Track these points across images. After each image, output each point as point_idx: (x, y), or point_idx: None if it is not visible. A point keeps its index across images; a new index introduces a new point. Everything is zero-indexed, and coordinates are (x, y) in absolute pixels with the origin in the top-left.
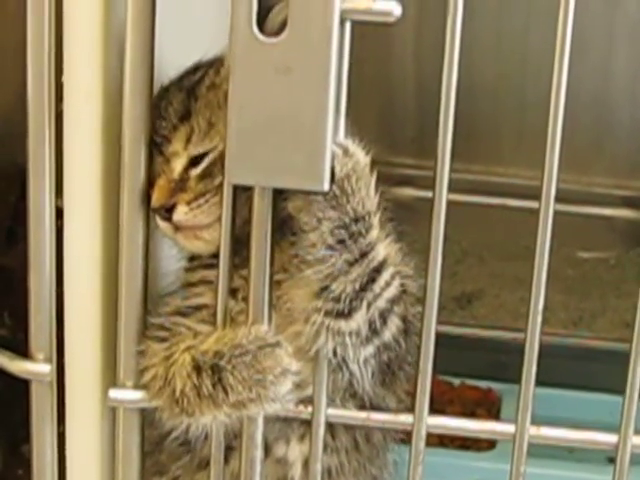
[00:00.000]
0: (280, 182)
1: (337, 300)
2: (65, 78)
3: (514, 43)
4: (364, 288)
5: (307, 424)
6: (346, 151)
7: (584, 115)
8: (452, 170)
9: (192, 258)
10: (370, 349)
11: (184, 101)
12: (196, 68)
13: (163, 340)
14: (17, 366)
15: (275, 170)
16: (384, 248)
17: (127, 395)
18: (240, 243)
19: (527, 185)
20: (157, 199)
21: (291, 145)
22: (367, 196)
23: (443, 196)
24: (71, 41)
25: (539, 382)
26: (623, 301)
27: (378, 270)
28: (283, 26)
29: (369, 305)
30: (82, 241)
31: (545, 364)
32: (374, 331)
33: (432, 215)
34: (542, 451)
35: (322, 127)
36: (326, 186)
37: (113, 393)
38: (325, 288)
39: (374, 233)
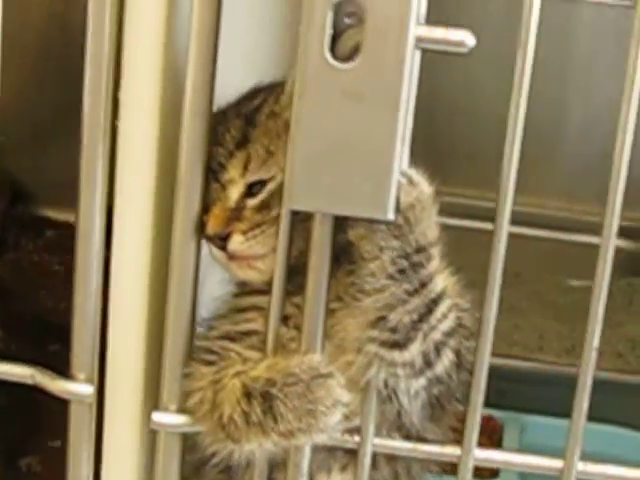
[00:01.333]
0: (344, 209)
1: (393, 330)
2: (122, 93)
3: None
4: (421, 319)
5: (350, 454)
6: (411, 180)
7: (577, 141)
8: (442, 194)
9: (242, 284)
10: (422, 381)
11: (242, 128)
12: (254, 93)
13: (210, 364)
14: (58, 386)
15: (339, 197)
16: (442, 280)
17: (170, 419)
18: (293, 271)
19: (516, 211)
20: (212, 227)
21: (357, 172)
22: (429, 227)
23: (504, 228)
24: (131, 55)
25: (537, 411)
26: (615, 331)
27: (436, 302)
28: (354, 51)
29: (425, 337)
30: (130, 261)
31: (540, 392)
32: (427, 363)
33: (492, 247)
34: None
35: (390, 155)
36: (391, 215)
37: (156, 416)
38: (382, 318)
39: (434, 264)
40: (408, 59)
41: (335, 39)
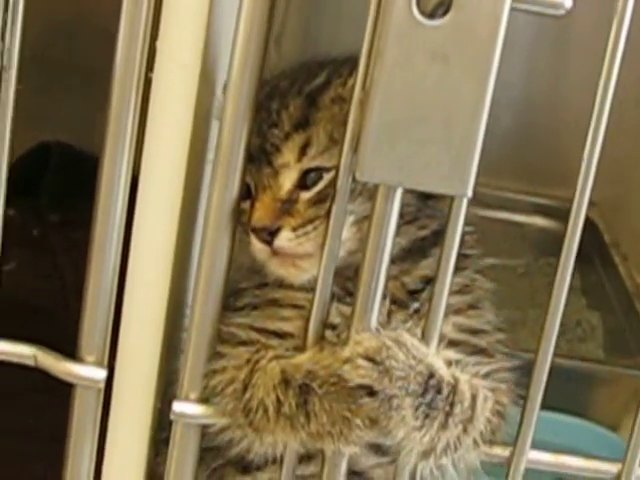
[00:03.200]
0: (417, 183)
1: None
2: (159, 43)
3: None
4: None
5: None
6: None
7: (501, 120)
8: None
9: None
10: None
11: (303, 108)
12: (316, 68)
13: (245, 344)
14: (63, 368)
15: (412, 170)
16: (467, 387)
17: (190, 409)
18: (341, 275)
19: None
20: (259, 218)
21: (436, 143)
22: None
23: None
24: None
25: None
26: (540, 312)
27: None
28: (444, 7)
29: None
30: (154, 237)
31: None
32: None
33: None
34: None
35: (476, 125)
36: (469, 191)
37: (177, 406)
38: None
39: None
40: (504, 18)
41: None
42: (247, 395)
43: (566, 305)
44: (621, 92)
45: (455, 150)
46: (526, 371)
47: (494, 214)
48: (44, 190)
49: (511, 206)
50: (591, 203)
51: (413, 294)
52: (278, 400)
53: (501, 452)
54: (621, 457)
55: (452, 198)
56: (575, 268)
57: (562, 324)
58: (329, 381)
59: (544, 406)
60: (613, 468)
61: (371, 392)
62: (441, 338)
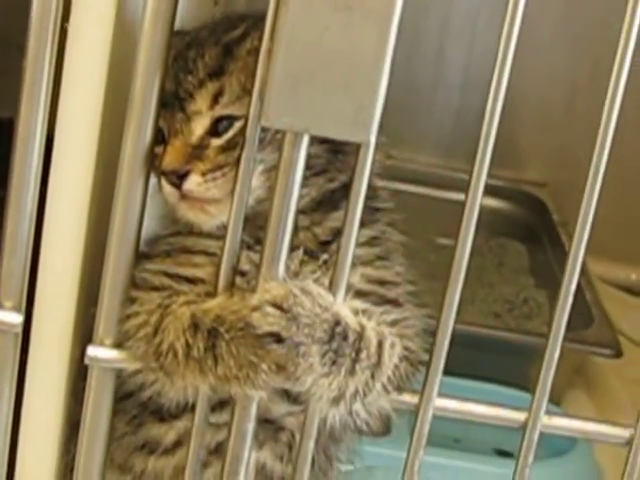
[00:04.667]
0: (322, 130)
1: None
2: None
3: None
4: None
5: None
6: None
7: (452, 103)
8: None
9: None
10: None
11: (218, 57)
12: (235, 21)
13: (155, 289)
14: None
15: (317, 116)
16: (375, 335)
17: (105, 353)
18: (251, 224)
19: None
20: (169, 162)
21: (339, 90)
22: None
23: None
24: None
25: None
26: (488, 291)
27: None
28: None
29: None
30: (70, 180)
31: None
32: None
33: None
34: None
35: (378, 73)
36: (373, 138)
37: (91, 350)
38: None
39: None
40: None
41: None
42: (157, 339)
43: (514, 284)
44: (571, 80)
45: (358, 98)
46: (472, 346)
47: (446, 195)
48: None
49: (463, 187)
50: (541, 185)
51: (324, 245)
52: (187, 344)
53: (410, 399)
54: None
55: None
56: (524, 248)
57: (510, 302)
58: (237, 326)
59: (489, 379)
60: (520, 416)
61: (279, 339)
62: (349, 288)
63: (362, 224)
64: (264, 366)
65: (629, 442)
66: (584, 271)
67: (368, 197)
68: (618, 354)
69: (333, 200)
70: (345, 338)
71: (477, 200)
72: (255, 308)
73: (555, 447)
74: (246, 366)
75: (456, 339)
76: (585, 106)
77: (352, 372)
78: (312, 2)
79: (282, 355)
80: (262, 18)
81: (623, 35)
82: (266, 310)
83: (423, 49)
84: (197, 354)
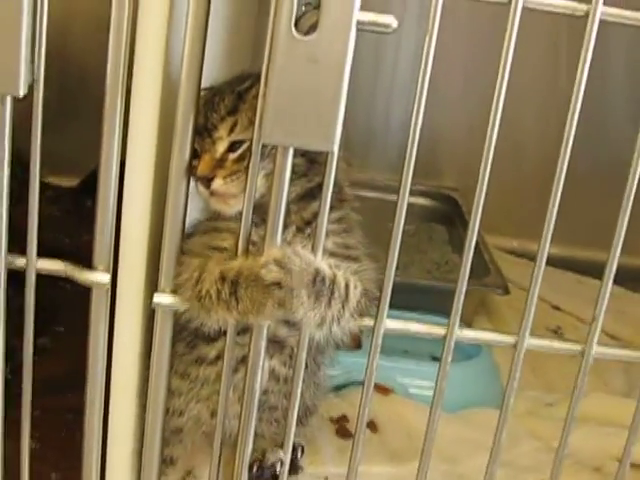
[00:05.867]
0: (302, 143)
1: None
2: (135, 65)
3: None
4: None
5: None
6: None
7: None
8: None
9: (217, 212)
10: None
11: (234, 100)
12: (245, 76)
13: (197, 256)
14: (83, 275)
15: (298, 134)
16: (343, 279)
17: (165, 299)
18: (258, 210)
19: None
20: (201, 170)
21: (311, 116)
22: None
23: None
24: (143, 34)
25: None
26: (422, 256)
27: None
28: (313, 27)
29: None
30: (138, 186)
31: None
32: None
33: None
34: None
35: (336, 104)
36: (335, 147)
37: (156, 297)
38: None
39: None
40: (352, 34)
41: (298, 19)
42: (199, 287)
43: (439, 251)
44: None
45: (324, 121)
46: (413, 292)
47: (394, 198)
48: None
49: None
50: (454, 189)
51: (307, 224)
52: (218, 290)
53: (368, 322)
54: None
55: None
56: (444, 228)
57: (437, 263)
58: (250, 278)
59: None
60: (442, 331)
61: (280, 286)
62: (324, 251)
63: (332, 208)
64: (269, 304)
65: (515, 345)
66: (482, 240)
67: (335, 191)
68: (507, 292)
69: (312, 194)
70: (323, 283)
71: (405, 197)
72: (262, 266)
73: (466, 353)
74: (257, 304)
75: (402, 288)
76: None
77: (329, 305)
78: (291, 58)
79: (282, 296)
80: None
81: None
82: (270, 267)
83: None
84: (225, 297)
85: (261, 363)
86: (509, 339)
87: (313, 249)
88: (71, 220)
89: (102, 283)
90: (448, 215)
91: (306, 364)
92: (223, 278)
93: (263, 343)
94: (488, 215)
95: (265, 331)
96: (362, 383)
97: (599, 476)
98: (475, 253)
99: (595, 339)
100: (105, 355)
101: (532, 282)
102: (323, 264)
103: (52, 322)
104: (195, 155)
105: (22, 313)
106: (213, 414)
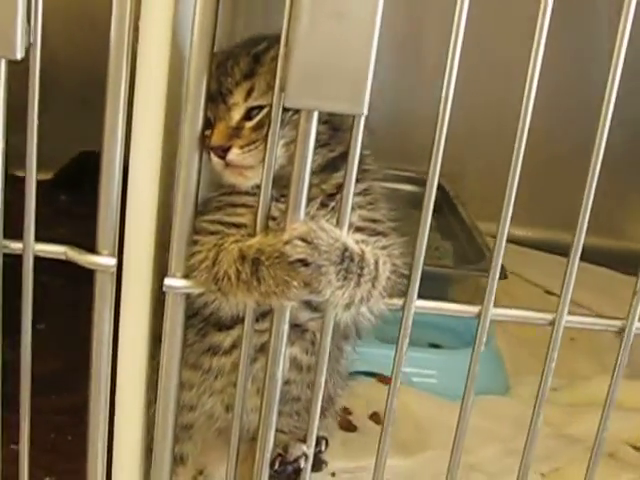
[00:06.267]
0: (328, 107)
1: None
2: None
3: None
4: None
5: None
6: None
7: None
8: None
9: (231, 186)
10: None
11: (250, 64)
12: (259, 39)
13: (213, 234)
14: (86, 259)
15: (324, 97)
16: (372, 255)
17: (177, 283)
18: (277, 183)
19: None
20: (217, 139)
21: (340, 76)
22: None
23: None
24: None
25: None
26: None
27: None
28: None
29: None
30: (145, 160)
31: None
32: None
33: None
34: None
35: (365, 62)
36: (365, 110)
37: (167, 281)
38: None
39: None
40: None
41: None
42: (215, 269)
43: (429, 237)
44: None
45: (353, 81)
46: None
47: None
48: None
49: (392, 179)
50: (441, 175)
51: (330, 197)
52: (237, 270)
53: (397, 301)
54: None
55: (353, 121)
56: (433, 214)
57: (426, 249)
58: (274, 255)
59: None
60: (474, 309)
61: (305, 263)
62: (350, 225)
63: (356, 180)
64: (295, 283)
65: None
66: (476, 227)
67: (358, 161)
68: (504, 277)
69: (334, 164)
70: (352, 260)
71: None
72: (286, 242)
73: (469, 339)
74: (281, 284)
75: None
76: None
77: (358, 284)
78: (315, 15)
79: (308, 275)
80: (278, 37)
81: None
82: (295, 243)
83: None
84: (245, 277)
85: (283, 350)
86: (546, 316)
87: (338, 224)
88: (45, 214)
89: (108, 266)
90: (437, 200)
91: (329, 351)
92: (243, 257)
93: (285, 327)
94: (479, 202)
95: (287, 314)
96: (365, 373)
97: (614, 462)
98: (469, 239)
99: (566, 309)
100: (111, 346)
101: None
102: (350, 239)
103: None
104: (207, 124)
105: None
106: (228, 408)
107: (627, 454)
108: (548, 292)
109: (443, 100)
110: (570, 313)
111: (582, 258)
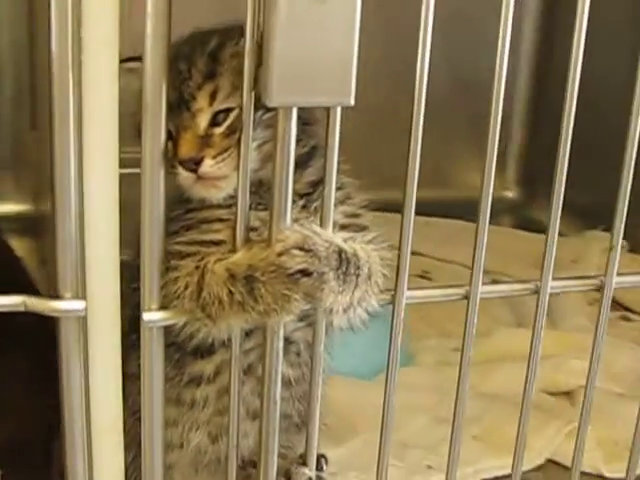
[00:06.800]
0: (313, 101)
1: None
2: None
3: None
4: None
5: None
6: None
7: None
8: None
9: (199, 200)
10: None
11: (208, 64)
12: (207, 34)
13: (187, 256)
14: (48, 306)
15: (307, 91)
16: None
17: (155, 316)
18: (252, 189)
19: None
20: (186, 152)
21: (322, 68)
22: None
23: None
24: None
25: None
26: None
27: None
28: None
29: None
30: (101, 187)
31: None
32: None
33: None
34: None
35: (349, 50)
36: (352, 101)
37: (146, 315)
38: None
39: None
40: None
41: None
42: (204, 293)
43: None
44: None
45: (338, 71)
46: None
47: None
48: None
49: None
50: None
51: (303, 196)
52: (230, 292)
53: (386, 295)
54: None
55: (327, 114)
56: None
57: None
58: (269, 270)
59: None
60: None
61: (306, 273)
62: (334, 224)
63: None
64: (296, 296)
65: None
66: None
67: (322, 154)
68: None
69: (305, 160)
70: (348, 262)
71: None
72: (281, 253)
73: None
74: (281, 299)
75: None
76: None
77: (357, 285)
78: (294, 2)
79: (310, 285)
80: (228, 30)
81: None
82: (292, 252)
83: None
84: (240, 298)
85: (280, 367)
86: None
87: (322, 223)
88: None
89: (74, 310)
90: None
91: (312, 358)
92: (233, 276)
93: (281, 344)
94: None
95: (282, 329)
96: None
97: (534, 412)
98: None
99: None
100: (84, 399)
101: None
102: (339, 239)
103: None
104: (168, 136)
105: None
106: (215, 439)
107: (547, 402)
108: (413, 252)
109: None
110: None
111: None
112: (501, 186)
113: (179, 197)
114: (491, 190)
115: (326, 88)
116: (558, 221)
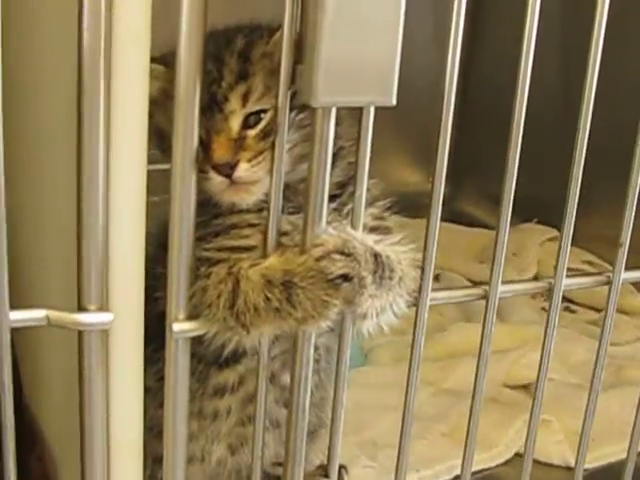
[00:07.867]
0: (354, 101)
1: None
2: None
3: None
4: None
5: None
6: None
7: None
8: None
9: (227, 206)
10: None
11: (239, 64)
12: (231, 33)
13: (218, 263)
14: (71, 319)
15: (353, 91)
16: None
17: (184, 326)
18: (288, 192)
19: None
20: (221, 156)
21: (367, 67)
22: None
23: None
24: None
25: None
26: None
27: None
28: None
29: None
30: (128, 196)
31: None
32: None
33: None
34: None
35: (394, 49)
36: (394, 100)
37: (176, 326)
38: None
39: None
40: None
41: None
42: (239, 301)
43: None
44: None
45: (381, 70)
46: None
47: None
48: None
49: None
50: None
51: (332, 198)
52: (267, 298)
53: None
54: None
55: (361, 113)
56: None
57: None
58: (307, 275)
59: None
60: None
61: (347, 278)
62: (364, 227)
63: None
64: (335, 302)
65: None
66: None
67: (342, 155)
68: None
69: (332, 162)
70: (383, 265)
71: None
72: (320, 258)
73: None
74: (320, 305)
75: None
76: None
77: (390, 289)
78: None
79: (350, 290)
80: (254, 29)
81: None
82: (333, 257)
83: None
84: (278, 304)
85: (310, 375)
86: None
87: (353, 226)
88: None
89: (98, 324)
90: None
91: (328, 363)
92: (270, 282)
93: (312, 351)
94: None
95: (313, 337)
96: None
97: (498, 406)
98: None
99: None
100: (105, 416)
101: None
102: (371, 242)
103: None
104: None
105: None
106: (234, 451)
107: (509, 395)
108: None
109: None
110: None
111: None
112: (428, 180)
113: (203, 202)
114: (442, 191)
115: (369, 87)
116: (507, 229)
